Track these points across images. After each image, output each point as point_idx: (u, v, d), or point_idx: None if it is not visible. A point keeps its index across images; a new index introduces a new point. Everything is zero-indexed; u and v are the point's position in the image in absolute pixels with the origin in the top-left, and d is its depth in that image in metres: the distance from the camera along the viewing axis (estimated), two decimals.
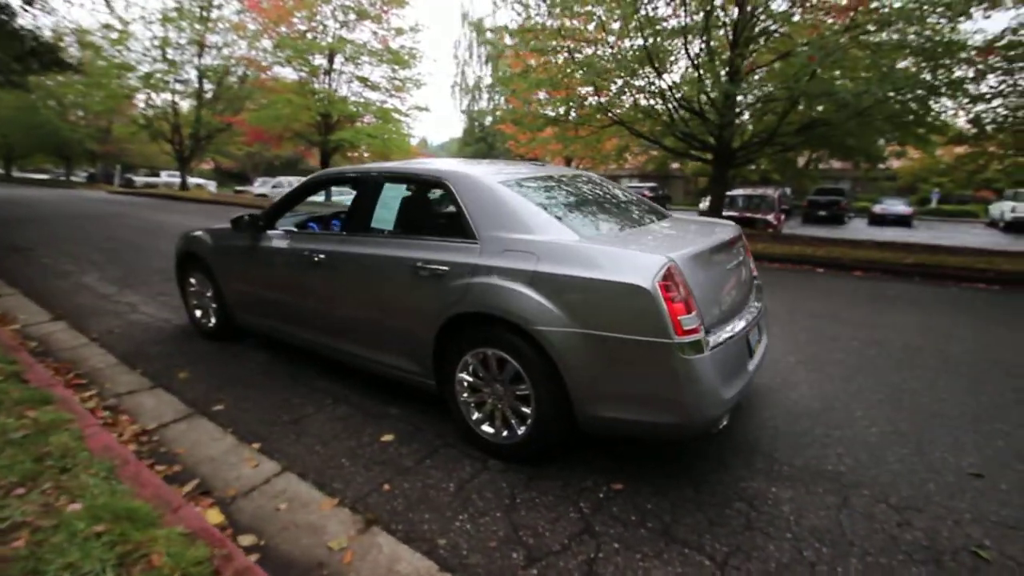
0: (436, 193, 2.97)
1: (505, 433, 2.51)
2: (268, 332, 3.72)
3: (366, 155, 22.56)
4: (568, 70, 11.66)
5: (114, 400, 3.15)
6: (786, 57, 10.62)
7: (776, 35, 10.46)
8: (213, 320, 4.13)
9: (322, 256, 3.09)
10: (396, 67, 20.93)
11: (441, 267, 2.56)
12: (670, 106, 11.53)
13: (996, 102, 9.07)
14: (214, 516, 2.09)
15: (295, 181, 27.04)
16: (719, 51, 10.84)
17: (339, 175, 3.41)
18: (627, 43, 11.06)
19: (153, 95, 26.33)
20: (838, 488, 2.35)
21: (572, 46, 11.45)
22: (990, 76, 8.98)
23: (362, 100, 21.62)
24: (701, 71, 10.26)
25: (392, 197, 2.95)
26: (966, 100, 9.45)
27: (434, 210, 2.94)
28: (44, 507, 1.92)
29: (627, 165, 18.93)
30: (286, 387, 3.36)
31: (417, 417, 2.97)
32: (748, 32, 10.37)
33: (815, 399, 3.27)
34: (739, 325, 2.42)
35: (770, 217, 13.93)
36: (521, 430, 2.44)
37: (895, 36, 8.98)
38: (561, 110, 13.05)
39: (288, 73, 21.35)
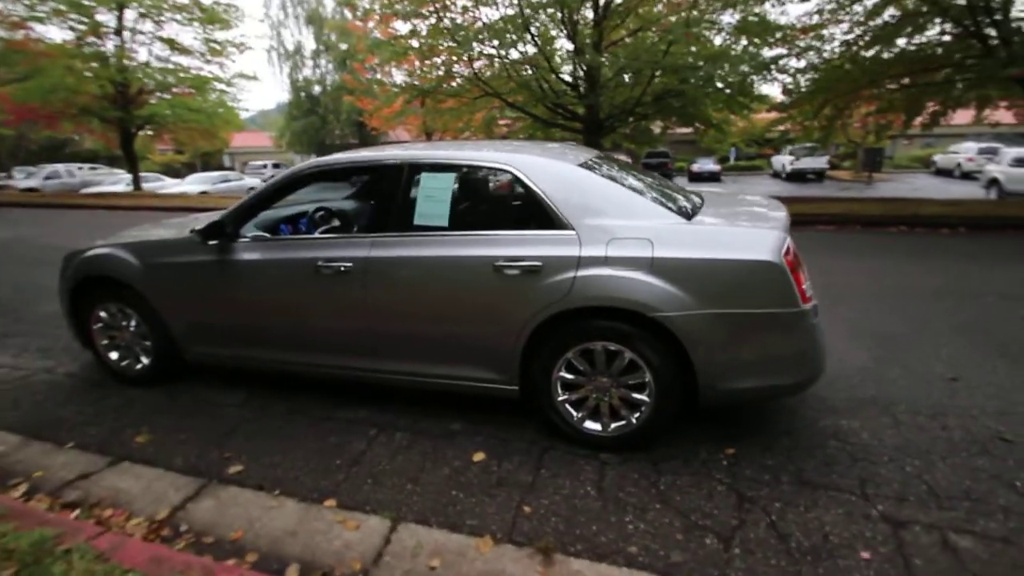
0: (495, 182, 2.65)
1: (615, 425, 2.45)
2: (240, 363, 3.03)
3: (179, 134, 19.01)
4: (439, 38, 11.16)
5: (72, 492, 2.32)
6: (639, 32, 11.63)
7: (634, 13, 11.30)
8: (144, 360, 3.21)
9: (348, 265, 2.59)
10: (211, 27, 17.76)
11: (533, 263, 2.34)
12: (542, 76, 11.82)
13: (805, 76, 11.05)
14: None
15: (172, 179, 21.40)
16: (583, 28, 11.36)
17: (345, 164, 2.82)
18: (499, 11, 10.94)
19: None
20: (884, 409, 2.79)
21: (440, 11, 10.94)
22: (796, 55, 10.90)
23: (171, 66, 18.00)
24: (576, 40, 10.65)
25: (437, 189, 2.56)
26: (780, 74, 11.39)
27: (500, 201, 2.62)
28: None
29: (490, 137, 18.97)
30: (308, 426, 2.80)
31: (489, 427, 2.73)
32: (610, 9, 11.05)
33: None
34: None
35: None
36: (635, 418, 2.41)
37: (735, 19, 10.35)
38: (434, 80, 12.47)
39: (58, 33, 16.75)
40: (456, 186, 2.61)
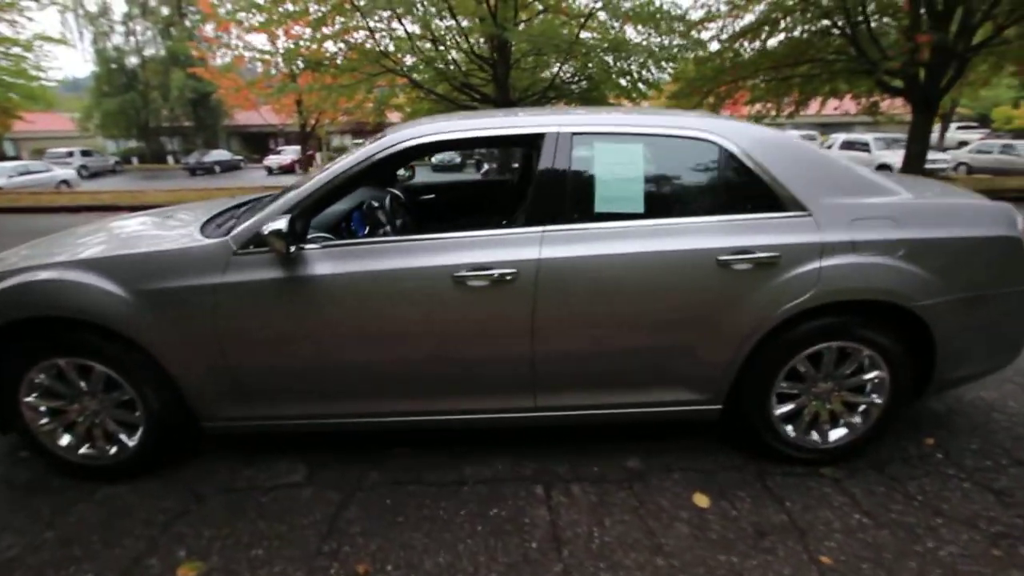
0: (693, 156, 2.06)
1: (836, 434, 2.14)
2: (308, 426, 2.08)
3: None
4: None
5: None
6: (545, 13, 11.44)
7: None
8: (129, 439, 2.06)
9: (510, 272, 1.86)
10: None
11: (770, 254, 1.89)
12: (447, 53, 11.03)
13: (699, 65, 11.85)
14: None
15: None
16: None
17: (459, 136, 2.02)
18: None
19: None
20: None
21: None
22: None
23: None
24: (493, 10, 10.04)
25: (624, 165, 1.94)
26: (673, 63, 12.07)
27: (702, 180, 2.04)
28: None
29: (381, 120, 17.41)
30: (440, 498, 1.99)
31: (669, 458, 2.22)
32: None
33: None
34: None
35: None
36: (859, 423, 2.12)
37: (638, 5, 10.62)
38: (329, 52, 10.86)
39: None
40: (653, 162, 2.00)
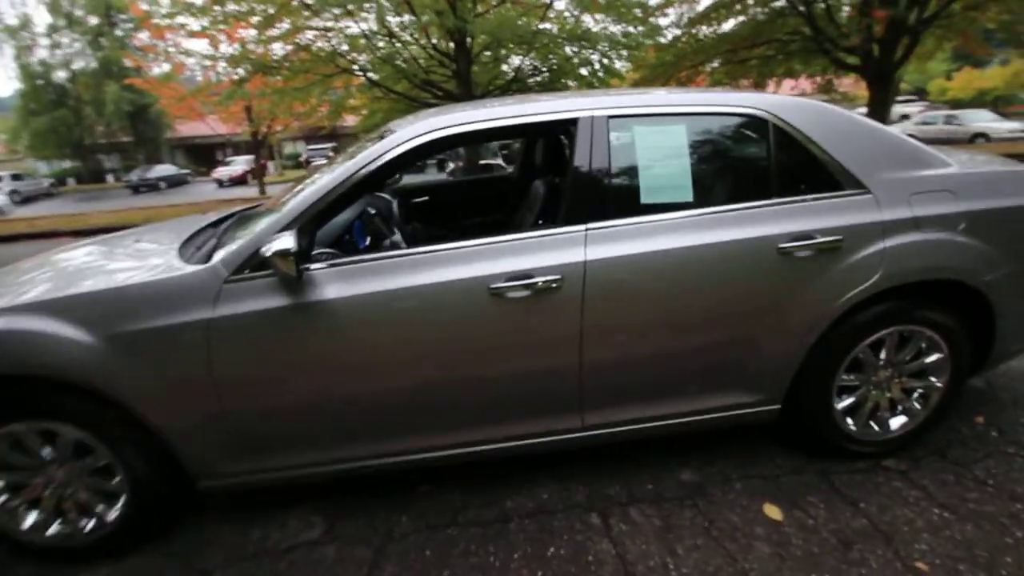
0: (739, 133, 1.87)
1: (897, 423, 2.01)
2: (325, 475, 1.79)
3: None
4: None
5: None
6: (503, 4, 11.21)
7: None
8: (108, 512, 1.72)
9: (554, 279, 1.63)
10: None
11: (833, 238, 1.72)
12: (406, 48, 10.67)
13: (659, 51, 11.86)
14: None
15: None
16: None
17: (479, 127, 1.75)
18: None
19: None
20: None
21: None
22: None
23: None
24: (452, 2, 9.72)
25: (667, 150, 1.73)
26: (634, 51, 12.04)
27: (750, 159, 1.85)
28: None
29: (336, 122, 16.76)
30: (486, 540, 1.75)
31: (723, 464, 2.05)
32: None
33: None
34: None
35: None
36: (921, 409, 2.00)
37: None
38: (278, 54, 10.28)
39: None
40: (695, 143, 1.79)
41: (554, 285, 1.62)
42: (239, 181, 24.27)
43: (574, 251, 1.65)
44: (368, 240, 2.13)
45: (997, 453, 2.05)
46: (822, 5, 10.03)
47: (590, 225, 1.68)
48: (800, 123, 1.79)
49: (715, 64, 12.55)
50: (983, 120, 16.55)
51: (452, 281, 1.62)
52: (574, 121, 1.73)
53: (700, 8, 11.52)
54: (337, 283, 1.63)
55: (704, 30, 11.90)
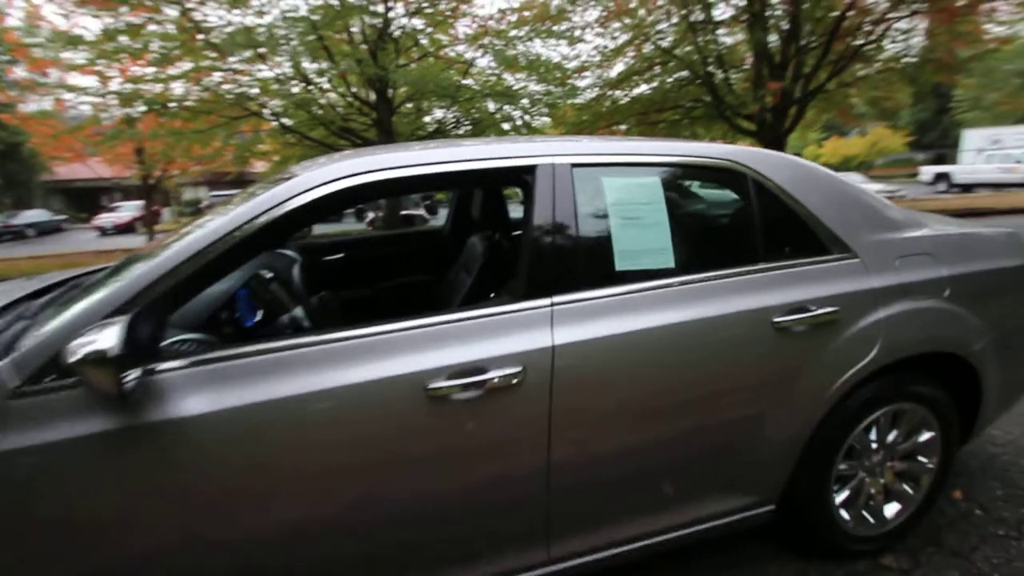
0: (716, 190, 1.61)
1: (891, 511, 1.78)
2: None
3: None
4: (182, 38, 8.49)
5: None
6: (425, 58, 11.25)
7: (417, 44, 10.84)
8: None
9: (514, 372, 1.23)
10: None
11: (828, 308, 1.49)
12: (326, 95, 10.24)
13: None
14: None
15: None
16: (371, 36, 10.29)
17: (414, 172, 1.35)
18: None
19: None
20: None
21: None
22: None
23: None
24: (373, 50, 9.49)
25: (643, 206, 1.43)
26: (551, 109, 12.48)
27: (727, 219, 1.58)
28: None
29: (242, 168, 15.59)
30: None
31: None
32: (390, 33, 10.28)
33: None
34: None
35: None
36: (907, 490, 1.79)
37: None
38: (177, 93, 9.38)
39: None
40: (663, 200, 1.51)
41: (514, 381, 1.22)
42: (125, 229, 21.86)
43: (538, 334, 1.28)
44: (259, 315, 1.61)
45: (989, 537, 1.87)
46: (721, 76, 11.05)
47: (556, 299, 1.32)
48: (780, 179, 1.58)
49: (629, 125, 13.29)
50: (855, 182, 18.93)
51: (369, 382, 1.16)
52: (531, 169, 1.40)
53: (614, 74, 12.24)
54: (202, 390, 1.11)
55: (618, 93, 12.62)
